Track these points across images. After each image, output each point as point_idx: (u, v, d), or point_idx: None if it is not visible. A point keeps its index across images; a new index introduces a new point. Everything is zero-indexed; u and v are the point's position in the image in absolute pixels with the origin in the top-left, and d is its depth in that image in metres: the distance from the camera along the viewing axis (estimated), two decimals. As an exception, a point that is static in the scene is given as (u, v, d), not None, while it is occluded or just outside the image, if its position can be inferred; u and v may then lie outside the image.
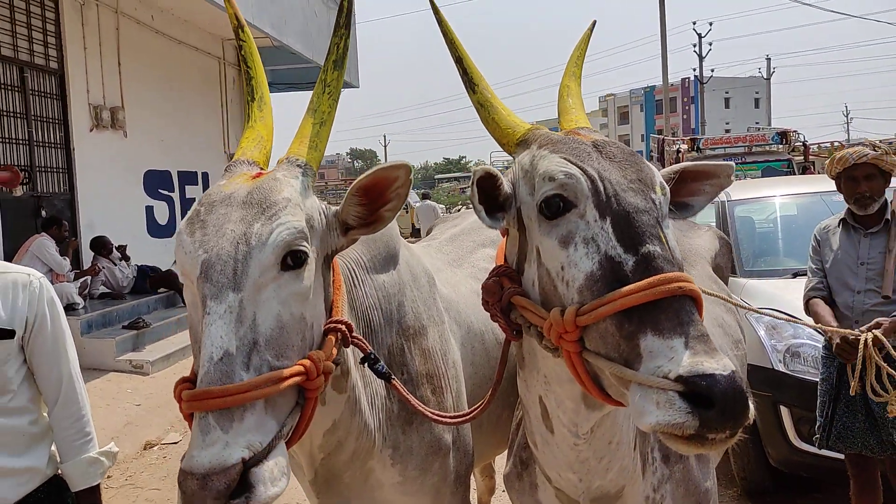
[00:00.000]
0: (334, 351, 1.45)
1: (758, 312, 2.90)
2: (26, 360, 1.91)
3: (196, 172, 11.69)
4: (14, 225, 7.44)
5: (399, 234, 2.01)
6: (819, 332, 3.24)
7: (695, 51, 37.75)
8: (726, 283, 3.14)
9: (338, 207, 1.53)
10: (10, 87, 7.89)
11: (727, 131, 34.60)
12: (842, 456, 3.36)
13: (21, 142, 7.99)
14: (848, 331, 2.81)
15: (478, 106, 1.58)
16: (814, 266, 3.34)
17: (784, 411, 3.89)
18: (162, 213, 10.63)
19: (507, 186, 1.44)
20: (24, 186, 7.79)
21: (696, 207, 1.52)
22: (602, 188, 1.31)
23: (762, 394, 4.05)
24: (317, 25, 12.80)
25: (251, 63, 1.72)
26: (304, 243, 1.39)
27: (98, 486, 2.00)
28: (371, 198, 1.51)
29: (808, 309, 3.28)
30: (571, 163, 1.34)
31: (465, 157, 71.84)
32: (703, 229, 3.18)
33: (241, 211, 1.39)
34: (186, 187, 11.39)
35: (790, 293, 4.11)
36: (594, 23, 1.96)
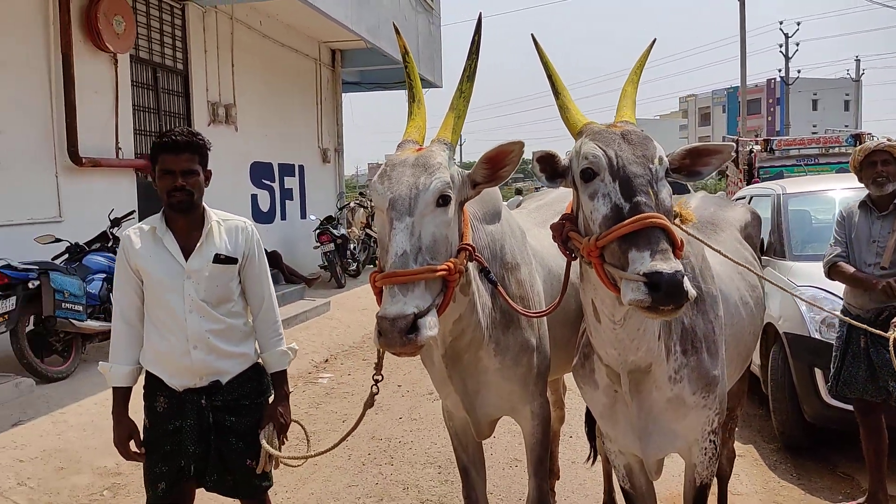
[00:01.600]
0: (464, 261, 2.28)
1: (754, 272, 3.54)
2: (241, 281, 2.80)
3: (294, 165, 12.82)
4: (146, 206, 8.56)
5: (502, 199, 2.83)
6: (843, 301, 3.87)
7: (781, 51, 37.23)
8: (755, 250, 3.82)
9: (469, 171, 2.36)
10: (145, 86, 9.05)
11: (814, 133, 34.03)
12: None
13: (154, 134, 9.17)
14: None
15: (560, 109, 2.38)
16: (838, 237, 4.01)
17: (818, 373, 4.56)
18: (264, 201, 11.76)
19: (564, 161, 2.26)
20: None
21: (704, 174, 2.26)
22: (615, 162, 2.08)
23: (800, 358, 4.72)
24: (406, 29, 13.75)
25: (413, 78, 2.56)
26: (449, 191, 2.22)
27: (285, 371, 2.84)
28: (493, 164, 2.34)
29: (833, 270, 3.95)
30: (599, 147, 2.13)
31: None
32: (738, 205, 3.91)
33: (412, 169, 2.23)
34: (285, 178, 12.51)
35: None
36: (654, 41, 2.71)
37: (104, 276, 6.72)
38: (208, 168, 2.72)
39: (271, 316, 2.83)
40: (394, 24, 2.61)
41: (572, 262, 2.38)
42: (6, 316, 5.78)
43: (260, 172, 11.66)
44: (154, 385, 2.69)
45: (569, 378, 4.52)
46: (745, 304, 3.06)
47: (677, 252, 1.99)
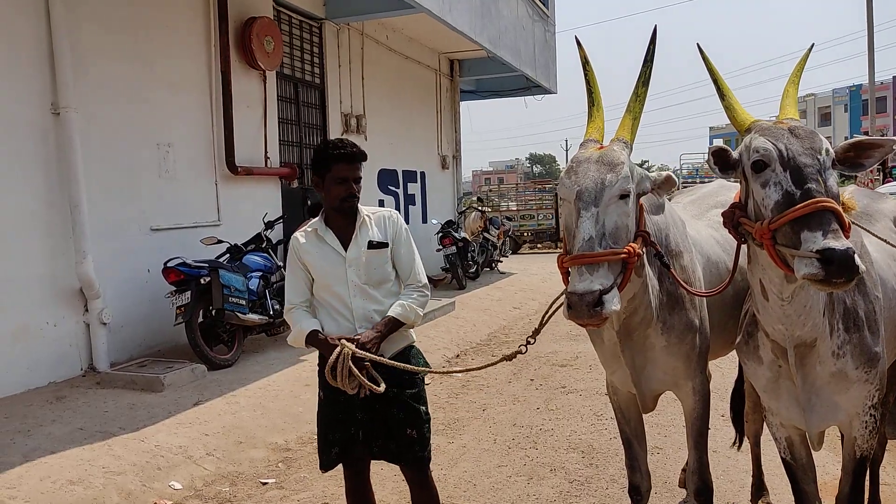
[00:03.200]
0: (641, 246, 2.58)
1: None
2: (393, 264, 3.16)
3: (416, 171, 13.39)
4: (288, 210, 9.24)
5: None
6: None
7: (906, 47, 35.17)
8: None
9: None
10: (287, 99, 9.79)
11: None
12: None
13: (294, 144, 9.89)
14: None
15: (726, 109, 2.65)
16: None
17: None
18: (389, 206, 12.34)
19: (735, 155, 2.52)
20: (297, 180, 9.64)
21: (866, 166, 2.49)
22: (786, 154, 2.34)
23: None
24: (524, 38, 14.12)
25: (592, 85, 2.87)
26: (629, 186, 2.54)
27: (396, 320, 2.98)
28: (668, 186, 2.67)
29: None
30: (770, 141, 2.39)
31: (647, 160, 70.99)
32: (891, 198, 4.00)
33: (597, 165, 2.56)
34: (408, 184, 13.10)
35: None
36: (812, 45, 2.94)
37: (260, 273, 7.38)
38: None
39: (416, 280, 3.17)
40: (576, 38, 2.92)
41: (741, 246, 2.63)
42: (182, 308, 6.49)
43: (386, 179, 12.28)
44: (327, 361, 3.04)
45: (712, 366, 4.71)
46: (903, 289, 3.19)
47: (846, 233, 2.23)
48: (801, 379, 2.68)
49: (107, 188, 6.72)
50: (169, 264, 6.56)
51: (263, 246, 7.76)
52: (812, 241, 2.16)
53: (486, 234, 14.79)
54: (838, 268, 2.09)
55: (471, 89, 16.80)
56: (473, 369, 3.35)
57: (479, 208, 16.04)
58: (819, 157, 2.33)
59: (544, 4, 15.95)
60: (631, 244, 2.51)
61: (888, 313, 2.94)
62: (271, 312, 7.25)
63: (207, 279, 6.59)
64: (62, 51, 6.15)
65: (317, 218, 3.14)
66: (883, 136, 13.74)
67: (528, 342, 2.93)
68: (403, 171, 12.91)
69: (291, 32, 9.81)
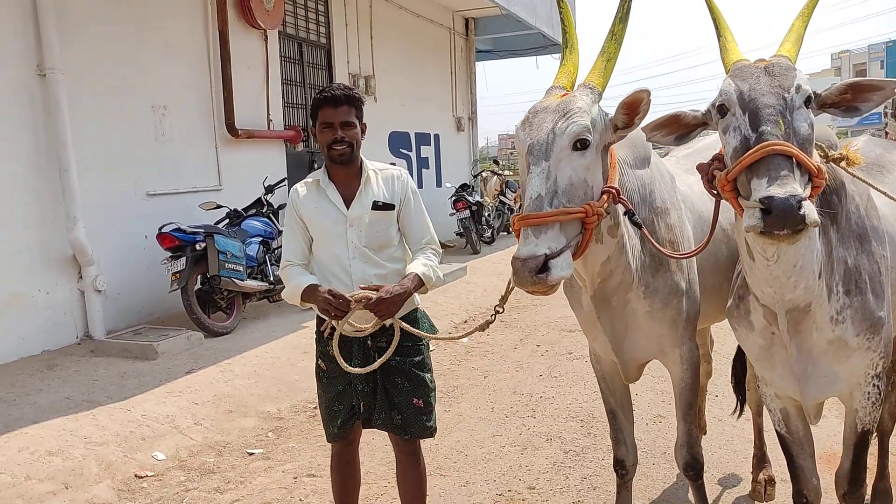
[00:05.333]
0: (606, 204, 2.31)
1: None
2: (399, 227, 2.96)
3: (429, 134, 13.09)
4: (293, 174, 9.03)
5: (651, 145, 2.83)
6: None
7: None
8: None
9: (612, 115, 2.38)
10: (291, 60, 9.52)
11: None
12: None
13: (299, 106, 9.64)
14: None
15: (720, 51, 2.36)
16: None
17: None
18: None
19: (701, 111, 2.29)
20: (303, 143, 9.42)
21: (863, 110, 2.20)
22: (746, 95, 2.09)
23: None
24: (539, -6, 13.64)
25: (567, 23, 2.60)
26: (587, 134, 2.25)
27: (419, 277, 2.78)
28: (630, 110, 2.34)
29: None
30: (734, 83, 2.14)
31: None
32: None
33: (552, 115, 2.28)
34: (421, 147, 12.82)
35: None
36: None
37: (260, 239, 7.23)
38: (363, 122, 2.88)
39: (430, 242, 2.97)
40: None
41: (721, 202, 2.36)
42: (178, 275, 6.35)
43: (398, 142, 12.01)
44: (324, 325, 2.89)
45: (716, 330, 4.46)
46: (916, 246, 2.89)
47: (816, 179, 2.01)
48: (796, 347, 2.42)
49: (99, 152, 6.56)
50: (164, 230, 6.41)
51: (264, 211, 7.60)
52: (757, 188, 1.95)
53: (502, 198, 14.50)
54: (776, 218, 1.87)
55: (487, 49, 16.37)
56: (445, 338, 3.13)
57: (497, 172, 15.75)
58: (786, 95, 2.07)
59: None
60: (591, 202, 2.25)
61: (896, 273, 2.65)
62: (272, 278, 7.11)
63: (203, 245, 6.43)
64: (46, 9, 5.94)
65: (320, 169, 2.94)
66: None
67: (497, 311, 2.69)
68: (416, 133, 12.61)
69: (295, -9, 9.52)
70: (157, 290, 6.86)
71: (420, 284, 2.81)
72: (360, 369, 2.78)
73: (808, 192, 1.96)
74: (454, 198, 12.26)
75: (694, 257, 2.79)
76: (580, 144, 2.25)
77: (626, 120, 2.36)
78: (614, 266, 2.55)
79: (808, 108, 2.10)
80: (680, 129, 2.35)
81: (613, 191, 2.36)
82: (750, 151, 1.99)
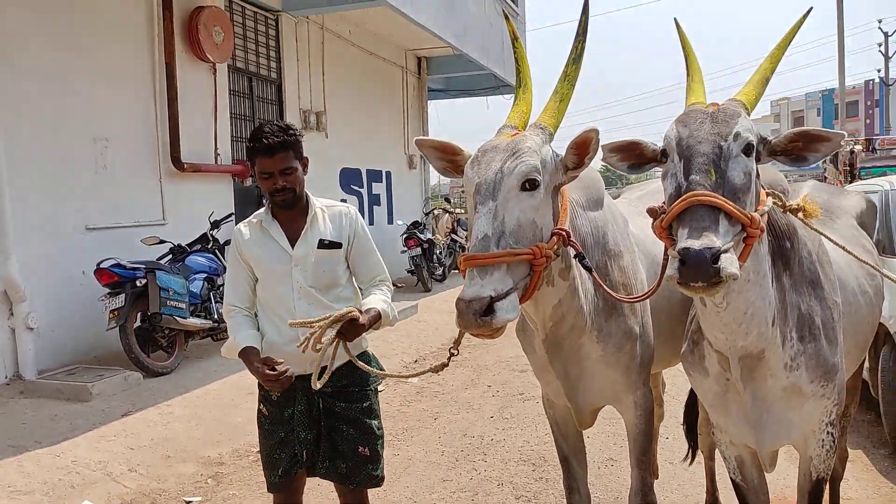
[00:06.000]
0: (555, 246, 2.25)
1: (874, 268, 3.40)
2: (349, 266, 2.86)
3: (381, 171, 13.03)
4: (241, 209, 8.85)
5: (604, 187, 2.80)
6: None
7: (880, 51, 35.50)
8: (871, 237, 3.62)
9: (562, 155, 2.34)
10: (241, 94, 9.40)
11: (916, 135, 32.19)
12: None
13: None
14: None
15: (686, 90, 2.36)
16: None
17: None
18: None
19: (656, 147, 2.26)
20: (251, 178, 9.25)
21: (810, 161, 2.20)
22: (685, 142, 2.08)
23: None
24: (491, 36, 13.82)
25: (521, 63, 2.55)
26: (537, 175, 2.20)
27: (379, 312, 2.70)
28: (580, 150, 2.31)
29: None
30: (677, 128, 2.13)
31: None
32: (852, 193, 3.74)
33: (501, 154, 2.23)
34: (373, 184, 12.74)
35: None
36: (810, 9, 2.61)
37: (205, 275, 7.02)
38: (304, 156, 2.78)
39: (384, 279, 2.89)
40: (503, 12, 2.63)
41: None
42: (116, 312, 6.10)
43: (349, 178, 11.91)
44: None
45: (667, 372, 4.43)
46: (864, 292, 2.91)
47: (750, 230, 1.99)
48: (751, 394, 2.39)
49: (36, 184, 6.30)
50: (102, 265, 6.16)
51: (210, 246, 7.41)
52: (679, 239, 1.95)
53: (454, 236, 14.50)
54: (690, 270, 1.86)
55: (439, 88, 16.48)
56: (395, 376, 3.02)
57: (449, 210, 15.76)
58: (722, 143, 2.05)
59: (513, 1, 15.68)
60: (539, 244, 2.19)
61: (849, 319, 2.66)
62: (216, 316, 6.88)
63: (143, 281, 6.20)
64: (-17, 37, 5.73)
65: (263, 208, 2.83)
66: (855, 139, 13.65)
67: (452, 354, 2.60)
68: (368, 170, 12.54)
69: (245, 24, 9.42)
70: (93, 328, 6.56)
71: (377, 320, 2.71)
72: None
73: (734, 243, 1.94)
74: (405, 235, 12.20)
75: (647, 301, 2.76)
76: (529, 184, 2.19)
77: (576, 160, 2.32)
78: (566, 310, 2.49)
79: (748, 156, 2.09)
80: (635, 158, 2.32)
81: (564, 233, 2.30)
82: (677, 201, 1.99)
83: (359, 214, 2.93)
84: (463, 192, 23.09)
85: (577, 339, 2.60)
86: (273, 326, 2.75)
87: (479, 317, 2.01)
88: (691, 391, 4.00)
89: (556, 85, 2.43)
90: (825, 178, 12.42)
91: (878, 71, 35.43)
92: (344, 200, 11.62)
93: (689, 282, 1.89)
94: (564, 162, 2.32)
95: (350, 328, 2.58)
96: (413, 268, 12.15)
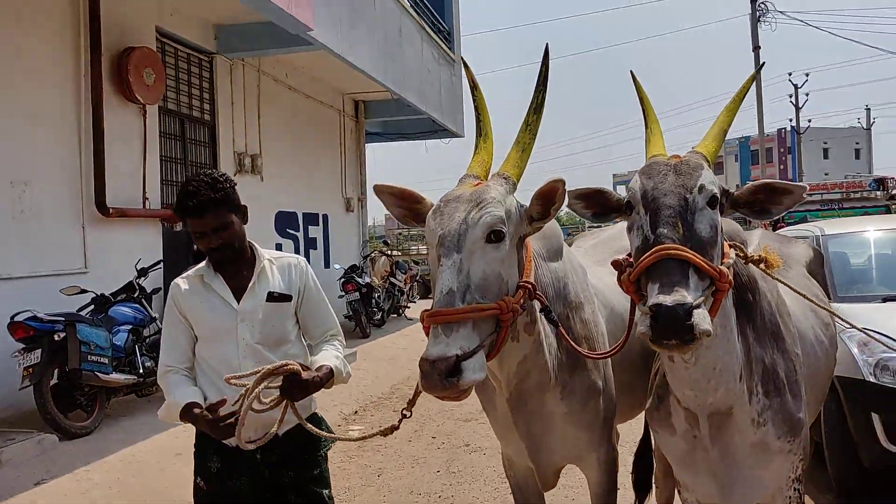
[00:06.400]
0: (521, 300, 2.14)
1: (832, 312, 3.38)
2: (298, 321, 2.66)
3: (318, 214, 12.80)
4: (172, 256, 8.49)
5: (563, 237, 2.70)
6: None
7: (791, 101, 37.44)
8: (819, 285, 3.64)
9: (526, 206, 2.23)
10: (172, 136, 9.11)
11: (826, 181, 33.81)
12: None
13: (179, 184, 9.17)
14: None
15: (645, 142, 2.30)
16: None
17: (875, 418, 4.31)
18: (288, 251, 11.66)
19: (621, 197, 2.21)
20: (182, 223, 8.90)
21: (773, 213, 2.16)
22: (650, 195, 2.03)
23: (855, 403, 4.49)
24: (429, 81, 13.90)
25: (481, 112, 2.45)
26: (502, 226, 2.10)
27: (332, 370, 2.49)
28: (545, 200, 2.21)
29: None
30: (641, 180, 2.09)
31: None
32: (799, 242, 3.77)
33: (465, 205, 2.12)
34: (309, 227, 12.49)
35: (879, 313, 4.59)
36: (763, 64, 2.62)
37: (130, 327, 6.63)
38: (242, 205, 2.60)
39: (338, 338, 2.71)
40: (462, 59, 2.52)
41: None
42: (31, 369, 5.66)
43: (285, 222, 11.64)
44: (205, 443, 2.53)
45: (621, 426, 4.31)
46: (821, 343, 2.88)
47: (719, 283, 1.93)
48: (719, 452, 2.29)
49: (-54, 231, 5.87)
50: (16, 318, 5.72)
51: (136, 296, 7.01)
52: (650, 294, 1.87)
53: (392, 279, 14.31)
54: (663, 327, 1.79)
55: (377, 131, 16.44)
56: (345, 439, 2.80)
57: (386, 252, 15.59)
58: (688, 196, 2.00)
59: (450, 48, 15.85)
60: (506, 298, 2.07)
61: (808, 370, 2.60)
62: (141, 371, 6.48)
63: (62, 335, 5.78)
64: None
65: (204, 262, 2.61)
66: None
67: (404, 415, 2.41)
68: (304, 213, 12.29)
69: (178, 66, 9.17)
70: (5, 387, 6.05)
71: (330, 377, 2.50)
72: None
73: (704, 298, 1.88)
74: (343, 279, 11.97)
75: (608, 345, 2.66)
76: (494, 236, 2.08)
77: (541, 211, 2.23)
78: (531, 366, 2.36)
79: (713, 208, 2.04)
80: (600, 207, 2.27)
81: (529, 286, 2.19)
82: (646, 254, 1.92)
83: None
84: (401, 234, 22.93)
85: (542, 396, 2.47)
86: (214, 389, 2.52)
87: (445, 378, 1.88)
88: (642, 441, 3.90)
89: (517, 134, 2.35)
90: (749, 221, 12.83)
91: (790, 120, 37.29)
92: (279, 245, 11.42)
93: (662, 339, 1.81)
94: (529, 212, 2.23)
95: (296, 387, 2.37)
96: (351, 313, 11.88)
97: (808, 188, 2.21)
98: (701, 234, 1.97)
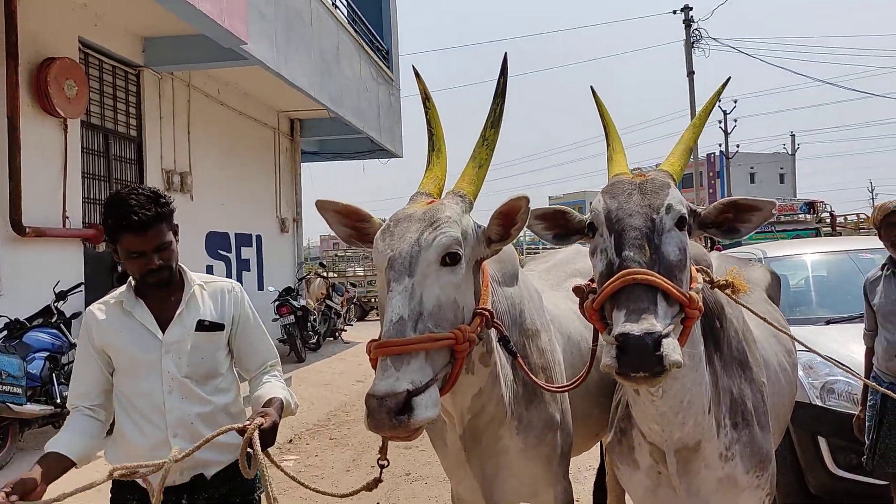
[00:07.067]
0: (478, 329, 1.97)
1: (794, 339, 3.33)
2: (231, 352, 2.42)
3: (251, 235, 12.40)
4: (94, 278, 8.04)
5: (518, 260, 2.55)
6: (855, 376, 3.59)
7: (720, 127, 38.63)
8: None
9: (485, 226, 2.07)
10: (96, 152, 8.65)
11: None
12: (878, 482, 3.73)
13: (103, 202, 8.70)
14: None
15: (607, 160, 2.18)
16: (865, 314, 3.77)
17: (822, 442, 4.29)
18: (220, 273, 11.24)
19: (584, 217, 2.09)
20: (105, 243, 8.44)
21: (742, 232, 2.05)
22: (615, 215, 1.90)
23: (801, 426, 4.46)
24: (367, 100, 13.71)
25: (434, 125, 2.28)
26: (458, 248, 1.93)
27: (282, 402, 2.29)
28: (505, 220, 2.05)
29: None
30: (604, 200, 1.96)
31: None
32: (757, 266, 3.72)
33: (417, 224, 1.94)
34: (242, 248, 12.07)
35: (823, 336, 4.59)
36: (728, 79, 2.51)
37: (47, 354, 6.19)
38: (174, 224, 2.37)
39: (278, 369, 2.49)
40: (413, 67, 2.35)
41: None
42: (-65, 401, 5.19)
43: (216, 242, 11.21)
44: (124, 488, 2.27)
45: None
46: (784, 370, 2.80)
47: (688, 310, 1.80)
48: (685, 488, 2.16)
49: None
50: (-83, 347, 5.27)
51: (53, 321, 6.57)
52: (616, 322, 1.73)
53: (329, 302, 13.98)
54: (630, 359, 1.64)
55: (314, 150, 16.12)
56: (328, 493, 2.47)
57: (322, 274, 15.25)
58: (654, 216, 1.87)
59: (389, 68, 15.71)
60: (461, 327, 1.89)
61: (773, 399, 2.50)
62: (59, 400, 6.04)
63: (-30, 364, 5.34)
64: None
65: (124, 286, 2.35)
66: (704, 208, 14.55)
67: (382, 466, 2.20)
68: (237, 233, 11.87)
69: (102, 79, 8.73)
70: None
71: (282, 411, 2.29)
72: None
73: (674, 326, 1.75)
74: (278, 302, 11.61)
75: (565, 375, 2.51)
76: (450, 259, 1.91)
77: (501, 231, 2.06)
78: (486, 399, 2.19)
79: (681, 229, 1.91)
80: (562, 229, 2.13)
81: (487, 313, 2.02)
82: (611, 280, 1.78)
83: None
84: (337, 255, 22.54)
85: (497, 430, 2.30)
86: (134, 427, 2.28)
87: (394, 416, 1.69)
88: (599, 470, 3.77)
89: (473, 150, 2.18)
90: (714, 243, 13.05)
91: (720, 145, 38.48)
92: (210, 267, 10.98)
93: (629, 372, 1.66)
94: (487, 233, 2.06)
95: (269, 437, 2.16)
96: (286, 337, 11.51)
97: (777, 203, 2.11)
98: (669, 257, 1.84)
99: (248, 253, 12.30)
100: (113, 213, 2.22)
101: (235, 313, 2.40)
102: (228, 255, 11.59)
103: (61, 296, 6.77)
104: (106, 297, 2.39)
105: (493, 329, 2.08)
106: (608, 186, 2.02)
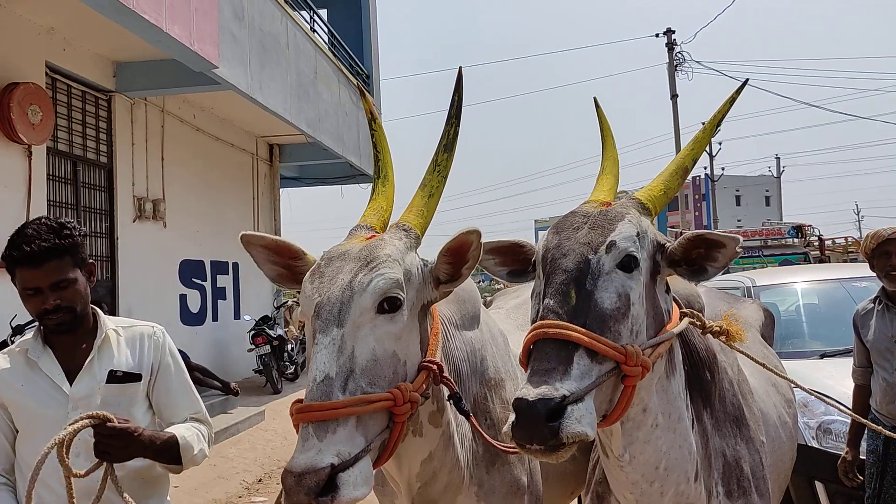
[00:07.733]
0: (424, 386, 1.70)
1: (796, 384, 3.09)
2: (151, 404, 2.15)
3: (227, 262, 12.09)
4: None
5: (480, 300, 2.28)
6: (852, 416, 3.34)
7: (705, 150, 38.87)
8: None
9: (433, 265, 1.81)
10: (63, 180, 8.36)
11: (738, 227, 35.11)
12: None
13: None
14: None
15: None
16: (857, 347, 3.52)
17: (819, 486, 4.03)
18: (194, 302, 10.94)
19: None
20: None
21: (710, 273, 1.73)
22: (550, 255, 1.65)
23: (796, 470, 4.20)
24: (347, 124, 13.51)
25: (380, 148, 2.04)
26: (399, 292, 1.66)
27: (178, 444, 2.04)
28: (455, 258, 1.79)
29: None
30: (548, 235, 1.72)
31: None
32: (749, 302, 3.45)
33: (351, 264, 1.67)
34: (218, 276, 11.76)
35: (818, 372, 4.34)
36: (747, 80, 2.24)
37: None
38: (89, 261, 2.11)
39: (202, 417, 2.21)
40: (358, 86, 2.11)
41: None
42: None
43: (190, 271, 10.90)
44: None
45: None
46: (784, 423, 2.53)
47: (625, 367, 1.51)
48: (672, 565, 1.87)
49: None
50: None
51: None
52: (519, 385, 1.50)
53: (308, 330, 13.64)
54: (520, 428, 1.41)
55: (293, 176, 15.88)
56: None
57: (302, 301, 14.94)
58: (591, 256, 1.60)
59: (369, 91, 15.54)
60: (402, 385, 1.62)
61: (772, 458, 2.24)
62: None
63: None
64: None
65: (30, 333, 2.11)
66: (681, 233, 14.36)
67: None
68: (212, 261, 11.56)
69: (71, 104, 8.47)
70: None
71: (171, 450, 1.99)
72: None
73: (597, 387, 1.48)
74: (253, 332, 11.27)
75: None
76: (388, 305, 1.65)
77: (450, 271, 1.80)
78: (439, 465, 1.91)
79: (628, 271, 1.63)
80: (517, 263, 1.87)
81: (435, 367, 1.74)
82: (527, 333, 1.55)
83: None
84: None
85: (453, 499, 2.01)
86: (36, 498, 1.97)
87: (314, 497, 1.41)
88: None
89: (423, 177, 1.92)
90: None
91: (705, 168, 38.58)
92: (184, 297, 10.65)
93: (524, 443, 1.42)
94: (435, 273, 1.79)
95: (111, 439, 1.86)
96: (261, 367, 11.16)
97: (741, 240, 1.81)
98: (603, 305, 1.56)
99: (224, 281, 11.99)
100: (10, 244, 1.98)
101: (155, 361, 2.14)
102: (203, 283, 11.27)
103: (18, 330, 6.45)
104: (11, 346, 2.12)
105: (439, 385, 1.81)
106: (561, 218, 1.76)
